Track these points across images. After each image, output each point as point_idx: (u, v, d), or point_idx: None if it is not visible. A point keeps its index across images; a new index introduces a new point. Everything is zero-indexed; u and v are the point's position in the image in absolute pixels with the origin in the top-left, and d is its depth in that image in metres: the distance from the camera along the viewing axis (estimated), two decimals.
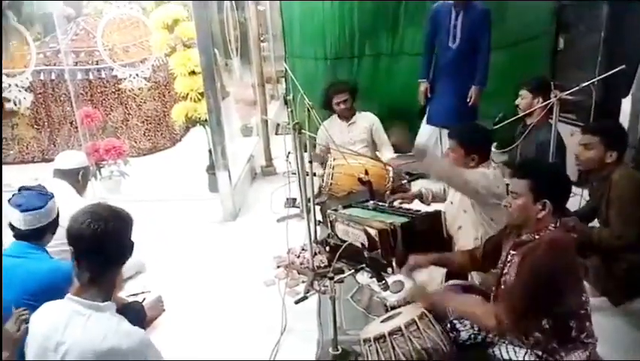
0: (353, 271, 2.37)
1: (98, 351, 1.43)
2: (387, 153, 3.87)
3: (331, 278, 2.16)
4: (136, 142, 5.15)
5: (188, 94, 3.81)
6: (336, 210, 2.95)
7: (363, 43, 4.60)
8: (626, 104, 3.81)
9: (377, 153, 3.98)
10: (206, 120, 3.75)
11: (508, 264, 1.89)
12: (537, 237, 1.82)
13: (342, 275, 2.44)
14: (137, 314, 2.40)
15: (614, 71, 2.91)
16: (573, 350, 1.78)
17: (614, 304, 2.46)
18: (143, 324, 2.42)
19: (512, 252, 1.89)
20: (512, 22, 4.15)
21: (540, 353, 1.80)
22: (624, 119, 3.83)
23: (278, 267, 3.09)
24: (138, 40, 5.05)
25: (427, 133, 4.12)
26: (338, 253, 2.33)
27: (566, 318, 1.79)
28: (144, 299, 2.69)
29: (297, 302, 2.37)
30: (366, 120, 3.96)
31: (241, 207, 3.98)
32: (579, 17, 3.72)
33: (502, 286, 1.92)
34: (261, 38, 5.43)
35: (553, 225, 1.83)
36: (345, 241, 2.62)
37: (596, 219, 2.63)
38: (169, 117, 4.73)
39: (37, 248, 2.14)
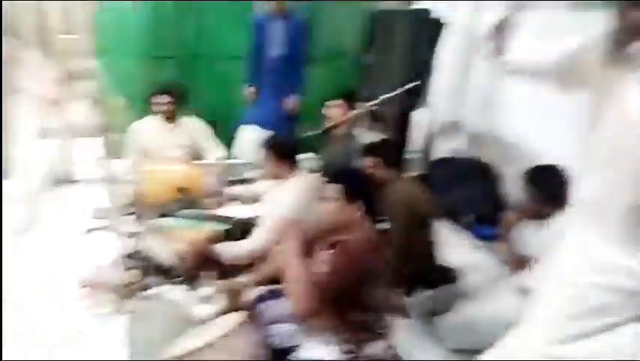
0: (167, 286, 2.27)
1: None
2: (213, 158, 3.78)
3: (142, 295, 2.03)
4: None
5: None
6: (151, 220, 2.79)
7: (187, 43, 4.43)
8: (419, 115, 4.33)
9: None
10: None
11: (321, 263, 1.99)
12: (350, 236, 1.95)
13: (154, 291, 2.32)
14: None
15: (411, 85, 3.29)
16: (375, 341, 1.93)
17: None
18: None
19: (325, 251, 2.00)
20: (324, 35, 4.42)
21: (347, 348, 1.92)
22: (418, 129, 4.35)
23: (83, 286, 2.80)
24: None
25: (248, 138, 4.15)
26: (151, 268, 2.21)
27: (371, 312, 1.94)
28: None
29: (104, 322, 2.18)
30: (191, 125, 3.83)
31: (36, 219, 3.51)
32: (381, 33, 4.10)
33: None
34: (67, 30, 4.88)
35: (364, 225, 1.97)
36: (160, 254, 2.50)
37: None
38: None
39: None
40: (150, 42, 4.27)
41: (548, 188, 2.37)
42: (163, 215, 2.89)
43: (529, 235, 2.47)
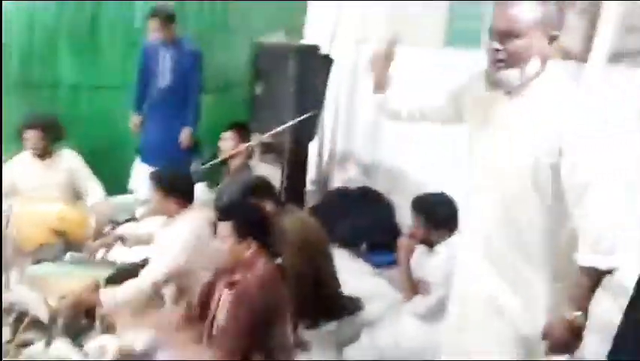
0: (44, 341, 2.03)
1: None
2: (93, 196, 3.47)
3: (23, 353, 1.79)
4: None
5: None
6: (24, 267, 2.50)
7: (59, 70, 4.12)
8: (313, 146, 4.40)
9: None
10: None
11: (220, 304, 1.90)
12: (248, 276, 1.88)
13: (30, 348, 2.05)
14: None
15: (302, 118, 3.34)
16: None
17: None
18: None
19: (225, 291, 1.91)
20: (216, 67, 4.37)
21: None
22: (311, 160, 4.42)
23: None
24: None
25: (140, 170, 3.93)
26: (25, 322, 1.97)
27: (275, 349, 1.88)
28: None
29: None
30: (67, 160, 3.48)
31: None
32: (272, 67, 4.14)
33: (214, 331, 1.90)
34: None
35: (263, 262, 1.91)
36: (35, 306, 2.22)
37: None
38: None
39: None
40: (24, 70, 3.93)
41: (435, 215, 2.49)
42: (38, 261, 2.61)
43: (422, 261, 2.56)
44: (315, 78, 4.01)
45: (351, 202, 3.92)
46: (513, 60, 1.48)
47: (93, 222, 3.08)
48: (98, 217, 3.13)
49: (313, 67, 3.97)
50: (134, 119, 3.94)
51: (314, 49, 4.16)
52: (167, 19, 3.80)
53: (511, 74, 1.50)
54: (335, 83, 4.43)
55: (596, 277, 1.47)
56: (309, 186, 4.47)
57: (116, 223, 3.24)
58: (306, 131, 3.93)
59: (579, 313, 1.48)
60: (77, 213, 3.09)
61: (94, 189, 3.52)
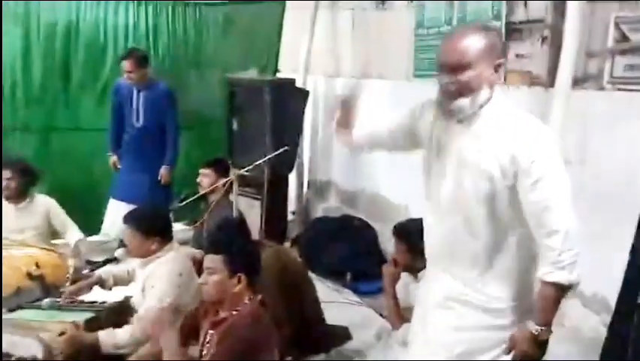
0: None
1: None
2: (70, 238, 3.40)
3: None
4: None
5: None
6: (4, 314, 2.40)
7: (30, 113, 4.08)
8: (291, 178, 4.42)
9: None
10: None
11: (207, 345, 1.86)
12: (234, 312, 1.85)
13: None
14: None
15: (280, 151, 3.36)
16: None
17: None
18: None
19: (210, 331, 1.87)
20: (191, 104, 4.40)
21: None
22: (291, 191, 4.44)
23: None
24: None
25: (115, 210, 3.87)
26: None
27: None
28: None
29: None
30: (41, 204, 3.42)
31: None
32: (248, 102, 4.19)
33: None
34: None
35: (248, 298, 1.89)
36: (11, 356, 2.14)
37: None
38: None
39: None
40: None
41: (418, 241, 2.49)
42: (17, 307, 2.52)
43: (408, 288, 2.56)
44: (291, 111, 4.06)
45: (334, 231, 3.93)
46: (465, 90, 1.55)
47: (71, 265, 3.00)
48: (75, 259, 3.06)
49: (288, 100, 4.03)
50: (113, 159, 3.93)
51: (288, 82, 4.22)
52: (140, 60, 3.84)
53: (463, 104, 1.57)
54: (312, 113, 4.49)
55: (559, 293, 1.54)
56: (290, 217, 4.47)
57: (94, 264, 3.17)
58: (284, 163, 3.95)
59: (544, 327, 1.55)
60: (54, 256, 3.02)
61: (70, 230, 3.47)
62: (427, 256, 1.81)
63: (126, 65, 3.80)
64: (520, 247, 1.62)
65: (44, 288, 2.66)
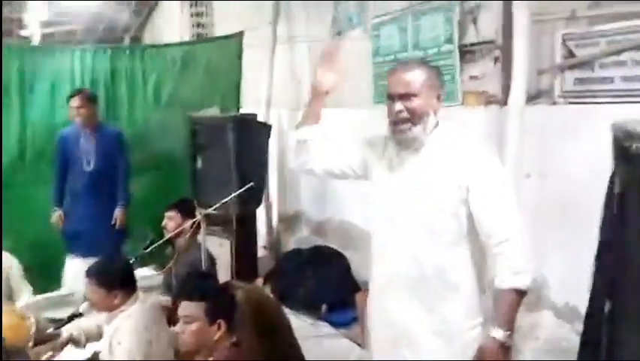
0: None
1: None
2: (24, 299, 3.26)
3: None
4: None
5: None
6: None
7: None
8: (260, 212, 4.37)
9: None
10: None
11: None
12: (210, 359, 1.78)
13: None
14: None
15: (246, 187, 3.31)
16: None
17: None
18: None
19: None
20: (152, 146, 4.32)
21: None
22: (260, 225, 4.38)
23: None
24: None
25: (75, 267, 3.72)
26: None
27: None
28: None
29: None
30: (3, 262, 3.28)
31: None
32: (210, 139, 4.14)
33: None
34: None
35: (228, 343, 1.81)
36: None
37: None
38: None
39: None
40: None
41: None
42: None
43: None
44: (255, 145, 4.03)
45: (306, 263, 3.87)
46: (414, 117, 1.72)
47: (33, 325, 2.85)
48: (36, 318, 2.91)
49: (252, 135, 4.00)
50: (56, 215, 3.82)
51: (250, 117, 4.21)
52: (89, 97, 3.82)
53: (417, 132, 1.74)
54: (277, 145, 4.48)
55: (517, 297, 1.64)
56: (262, 253, 4.40)
57: (58, 322, 3.03)
58: (251, 199, 3.90)
59: (508, 332, 1.63)
60: (13, 316, 2.85)
61: (24, 289, 3.34)
62: (389, 277, 1.85)
63: (75, 101, 3.75)
64: (472, 261, 1.75)
65: (6, 351, 2.52)
